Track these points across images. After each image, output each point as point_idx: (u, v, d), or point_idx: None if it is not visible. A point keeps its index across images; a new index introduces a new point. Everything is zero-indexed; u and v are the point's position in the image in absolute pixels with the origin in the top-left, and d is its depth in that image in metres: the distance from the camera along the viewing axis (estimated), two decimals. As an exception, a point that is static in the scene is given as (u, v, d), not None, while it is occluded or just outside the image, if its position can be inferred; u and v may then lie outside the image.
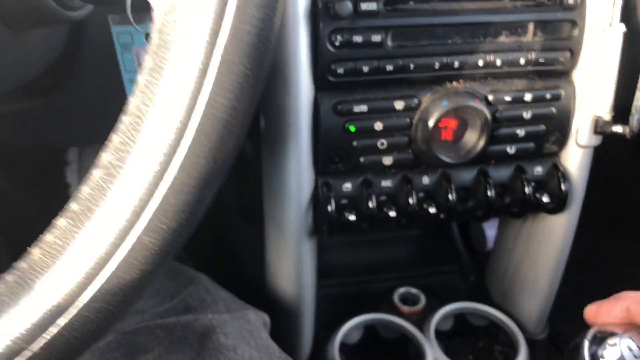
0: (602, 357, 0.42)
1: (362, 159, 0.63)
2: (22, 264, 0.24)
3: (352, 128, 0.61)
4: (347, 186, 0.65)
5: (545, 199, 0.68)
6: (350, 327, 0.79)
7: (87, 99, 0.61)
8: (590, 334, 0.44)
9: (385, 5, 0.58)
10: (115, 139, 0.23)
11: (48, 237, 0.24)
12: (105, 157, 0.23)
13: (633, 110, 0.62)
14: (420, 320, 0.82)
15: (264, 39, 0.23)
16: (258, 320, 0.52)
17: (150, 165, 0.23)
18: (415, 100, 0.62)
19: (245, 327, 0.49)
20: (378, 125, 0.62)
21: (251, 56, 0.23)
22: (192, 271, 0.69)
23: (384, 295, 0.87)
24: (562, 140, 0.68)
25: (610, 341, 0.43)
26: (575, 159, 0.69)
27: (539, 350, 0.85)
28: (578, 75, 0.66)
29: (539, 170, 0.69)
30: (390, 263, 0.99)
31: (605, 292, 0.47)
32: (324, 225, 0.65)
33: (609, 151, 0.71)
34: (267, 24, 0.23)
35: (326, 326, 0.83)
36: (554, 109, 0.65)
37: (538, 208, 0.70)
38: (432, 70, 0.61)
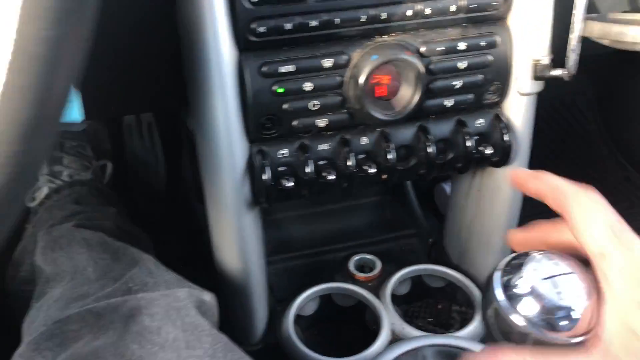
0: (516, 285, 0.40)
1: (295, 123, 0.61)
2: None
3: (280, 90, 0.59)
4: (283, 152, 0.62)
5: (488, 151, 0.66)
6: (304, 298, 0.77)
7: None
8: (504, 261, 0.42)
9: (302, -43, 0.55)
10: None
11: None
12: None
13: (568, 51, 0.60)
14: (377, 286, 0.80)
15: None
16: (189, 297, 0.49)
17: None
18: (345, 57, 0.59)
19: (173, 305, 0.47)
20: (308, 86, 0.59)
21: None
22: (137, 252, 0.67)
23: (340, 263, 0.85)
24: (503, 90, 0.66)
25: (523, 267, 0.41)
26: (518, 108, 0.67)
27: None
28: (513, 20, 0.64)
29: (480, 122, 0.67)
30: (348, 232, 0.97)
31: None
32: (261, 195, 0.62)
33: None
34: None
35: (283, 300, 0.81)
36: (490, 57, 0.63)
37: (482, 162, 0.68)
38: (359, 24, 0.59)
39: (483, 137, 0.67)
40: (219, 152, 0.61)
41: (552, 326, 0.39)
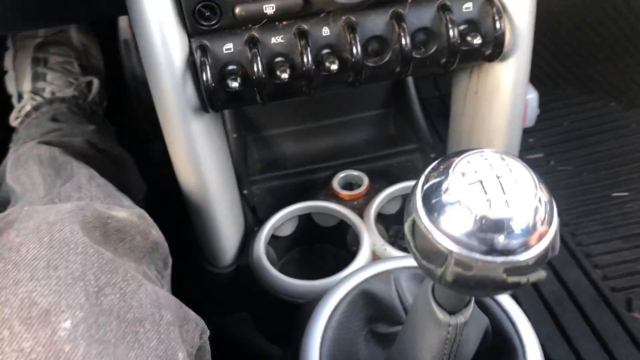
0: (439, 193, 0.32)
1: (237, 10, 0.52)
2: None
3: (214, -31, 0.49)
4: (229, 47, 0.54)
5: (477, 41, 0.55)
6: (280, 218, 0.71)
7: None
8: (433, 164, 0.34)
9: None
10: None
11: None
12: None
13: None
14: (363, 205, 0.72)
15: None
16: (74, 210, 0.42)
17: None
18: None
19: (49, 218, 0.40)
20: (247, -37, 0.49)
21: None
22: (77, 167, 0.62)
23: (325, 182, 0.77)
24: (496, -36, 0.54)
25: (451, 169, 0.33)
26: (516, -12, 0.55)
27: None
28: None
29: (468, 6, 0.55)
30: (344, 149, 0.88)
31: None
32: (203, 98, 0.54)
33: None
34: None
35: (264, 222, 0.75)
36: None
37: (472, 56, 0.57)
38: None
39: (472, 25, 0.56)
40: (153, 47, 0.53)
41: (485, 245, 0.30)
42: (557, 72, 1.41)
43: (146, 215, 0.51)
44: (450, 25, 0.54)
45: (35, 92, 0.95)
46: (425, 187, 0.32)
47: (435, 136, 1.09)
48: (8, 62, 1.00)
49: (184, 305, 0.46)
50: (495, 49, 0.56)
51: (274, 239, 0.71)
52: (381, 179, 0.78)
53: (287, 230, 0.73)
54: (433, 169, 0.32)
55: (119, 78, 1.17)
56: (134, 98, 1.21)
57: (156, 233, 0.53)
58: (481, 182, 0.31)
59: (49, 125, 0.83)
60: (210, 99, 0.54)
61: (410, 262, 0.57)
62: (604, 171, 1.20)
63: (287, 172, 0.85)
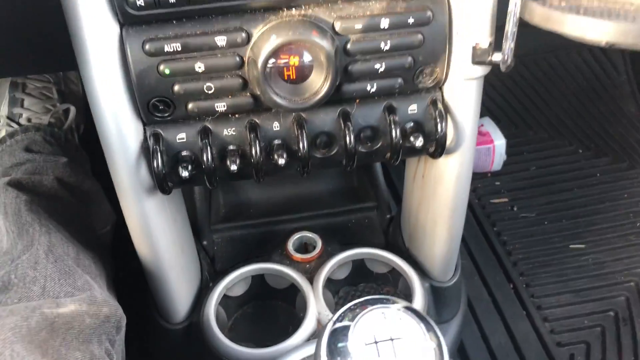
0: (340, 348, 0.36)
1: (190, 106, 0.54)
2: None
3: (167, 70, 0.52)
4: (181, 137, 0.56)
5: (419, 142, 0.58)
6: (232, 279, 0.74)
7: None
8: (343, 308, 0.38)
9: None
10: None
11: None
12: None
13: (505, 34, 0.50)
14: (314, 268, 0.76)
15: None
16: (19, 323, 0.45)
17: None
18: (243, 34, 0.52)
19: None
20: (199, 66, 0.52)
21: None
22: (40, 231, 0.64)
23: (280, 240, 0.80)
24: (440, 73, 0.57)
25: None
26: (460, 93, 0.59)
27: (447, 297, 0.78)
28: (452, -8, 0.53)
29: (413, 108, 0.58)
30: (308, 199, 0.92)
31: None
32: (156, 183, 0.57)
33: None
34: None
35: (221, 273, 0.78)
36: (421, 36, 0.54)
37: (416, 152, 0.60)
38: (262, -4, 0.50)
39: (416, 125, 0.59)
40: (109, 133, 0.56)
41: None
42: (531, 115, 1.44)
43: (97, 293, 0.54)
44: (393, 126, 0.57)
45: (11, 117, 0.96)
46: (332, 337, 0.35)
47: (395, 193, 1.13)
48: None
49: None
50: (437, 147, 0.59)
51: (225, 298, 0.74)
52: (333, 240, 0.81)
53: (239, 290, 0.76)
54: (343, 313, 0.36)
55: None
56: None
57: (107, 308, 0.56)
58: (376, 343, 0.34)
59: (22, 156, 0.84)
60: (161, 184, 0.56)
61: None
62: (565, 221, 1.23)
63: (249, 223, 0.88)
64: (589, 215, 1.25)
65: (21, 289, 0.53)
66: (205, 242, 0.83)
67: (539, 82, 1.46)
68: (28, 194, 0.72)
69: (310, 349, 0.60)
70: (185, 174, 0.56)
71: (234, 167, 0.56)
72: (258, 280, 0.76)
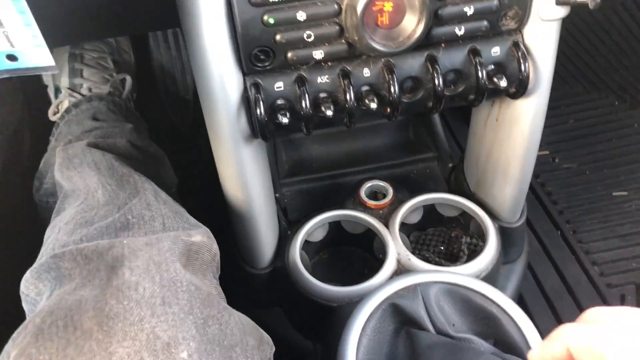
0: None
1: (289, 55, 0.57)
2: None
3: (271, 20, 0.55)
4: (279, 85, 0.60)
5: (503, 83, 0.61)
6: (312, 225, 0.78)
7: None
8: None
9: None
10: None
11: None
12: None
13: (596, -26, 0.53)
14: (388, 214, 0.79)
15: None
16: (174, 245, 0.49)
17: None
18: (342, -18, 0.54)
19: (155, 258, 0.47)
20: (301, 15, 0.55)
21: None
22: (140, 180, 0.67)
23: (352, 189, 0.84)
24: (522, 15, 0.59)
25: None
26: (539, 35, 0.61)
27: (515, 238, 0.82)
28: None
29: (496, 50, 0.61)
30: (367, 153, 0.95)
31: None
32: (256, 130, 0.60)
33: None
34: None
35: (296, 222, 0.82)
36: (508, -21, 0.56)
37: (497, 94, 0.63)
38: (357, -55, 0.53)
39: (499, 67, 0.62)
40: (213, 83, 0.59)
41: None
42: (566, 69, 1.46)
43: (210, 232, 0.58)
44: (479, 68, 0.60)
45: (73, 88, 1.00)
46: None
47: (453, 143, 1.16)
48: (47, 78, 1.04)
49: (259, 328, 0.53)
50: (519, 88, 0.62)
51: (306, 243, 0.78)
52: (403, 188, 0.84)
53: (318, 236, 0.80)
54: None
55: (148, 71, 1.22)
56: (161, 90, 1.26)
57: (216, 246, 0.60)
58: None
59: (89, 124, 0.88)
60: (262, 130, 0.60)
61: (435, 276, 0.64)
62: (606, 170, 1.26)
63: (315, 176, 0.92)
64: (630, 164, 1.28)
65: (144, 226, 0.56)
66: (277, 195, 0.86)
67: (572, 36, 1.47)
68: (111, 153, 0.75)
69: (393, 286, 0.64)
70: (285, 120, 0.59)
71: (329, 113, 0.59)
72: (334, 226, 0.80)
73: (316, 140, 0.97)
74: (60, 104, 0.98)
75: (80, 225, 0.61)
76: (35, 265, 0.54)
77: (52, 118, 0.98)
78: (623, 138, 1.34)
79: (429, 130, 0.96)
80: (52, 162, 0.84)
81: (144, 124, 0.99)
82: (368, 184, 0.83)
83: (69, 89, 1.00)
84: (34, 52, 0.53)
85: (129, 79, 1.01)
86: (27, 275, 0.56)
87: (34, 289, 0.53)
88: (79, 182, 0.70)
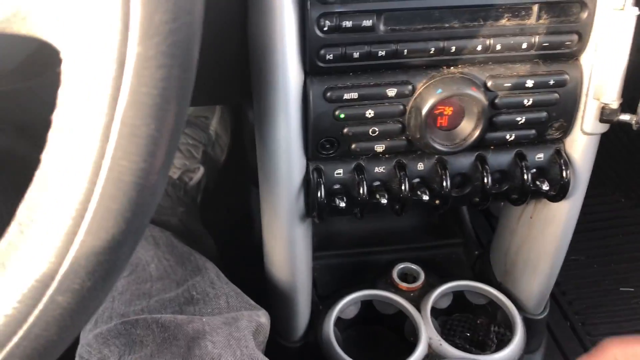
0: None
1: (353, 146, 0.62)
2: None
3: (342, 115, 0.60)
4: (339, 172, 0.64)
5: (545, 186, 0.65)
6: (346, 302, 0.80)
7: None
8: None
9: (377, -13, 0.55)
10: (28, 195, 0.23)
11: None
12: (20, 213, 0.23)
13: (641, 100, 0.58)
14: (418, 297, 0.82)
15: (169, 97, 0.22)
16: (250, 326, 0.53)
17: (59, 227, 0.22)
18: (409, 87, 0.60)
19: (234, 334, 0.50)
20: (370, 113, 0.60)
21: (154, 116, 0.22)
22: (202, 259, 0.70)
23: (384, 268, 0.87)
24: (567, 127, 0.65)
25: None
26: (579, 146, 0.66)
27: (537, 329, 0.85)
28: (586, 59, 0.62)
29: (540, 156, 0.66)
30: (393, 233, 0.99)
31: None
32: (314, 211, 0.64)
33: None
34: (169, 82, 0.22)
35: (324, 299, 0.84)
36: (557, 95, 0.62)
37: (538, 195, 0.68)
38: (427, 55, 0.59)
39: (541, 172, 0.67)
40: (279, 165, 0.63)
41: None
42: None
43: (267, 314, 0.61)
44: (524, 171, 0.65)
45: None
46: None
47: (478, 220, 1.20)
48: None
49: None
50: (559, 192, 0.67)
51: (337, 320, 0.80)
52: (430, 271, 0.88)
53: (350, 313, 0.82)
54: None
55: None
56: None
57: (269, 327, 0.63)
58: None
59: None
60: (320, 212, 0.64)
61: (469, 364, 0.66)
62: (614, 265, 1.31)
63: (343, 252, 0.95)
64: (636, 261, 1.32)
65: (209, 302, 0.59)
66: (308, 269, 0.89)
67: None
68: (167, 230, 0.78)
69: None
70: (342, 204, 0.63)
71: (383, 201, 0.64)
72: (366, 305, 0.83)
73: (344, 217, 1.01)
74: None
75: (137, 296, 0.63)
76: (101, 330, 0.56)
77: None
78: (629, 235, 1.39)
79: (454, 217, 1.00)
80: None
81: (197, 208, 1.00)
82: (400, 266, 0.86)
83: None
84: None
85: (201, 170, 1.01)
86: (90, 339, 0.57)
87: (97, 354, 0.55)
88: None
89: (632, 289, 1.26)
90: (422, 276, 0.84)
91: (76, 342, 0.62)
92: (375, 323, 0.84)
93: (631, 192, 1.49)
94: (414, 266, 0.86)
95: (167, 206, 0.90)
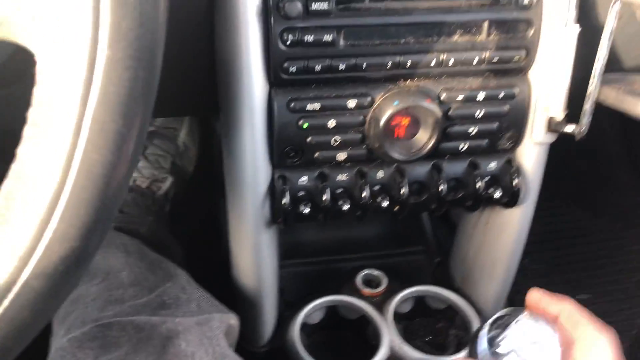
0: (499, 344, 0.45)
1: (316, 155, 0.65)
2: None
3: (305, 125, 0.63)
4: (303, 179, 0.67)
5: (497, 194, 0.69)
6: (311, 308, 0.82)
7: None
8: (492, 318, 0.47)
9: (337, 4, 0.58)
10: (4, 186, 0.25)
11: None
12: (-2, 203, 0.25)
13: (583, 112, 0.63)
14: (381, 302, 0.85)
15: (136, 97, 0.25)
16: (221, 326, 0.55)
17: (34, 215, 0.25)
18: (368, 99, 0.63)
19: (207, 334, 0.52)
20: (331, 123, 0.63)
21: (122, 114, 0.25)
22: (172, 266, 0.72)
23: (348, 275, 0.89)
24: (517, 137, 0.69)
25: (509, 327, 0.46)
26: (530, 155, 0.71)
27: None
28: (534, 73, 0.66)
29: (492, 165, 0.70)
30: (357, 241, 1.02)
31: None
32: (279, 217, 0.67)
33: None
34: (135, 82, 0.24)
35: (291, 305, 0.86)
36: (507, 107, 0.66)
37: (491, 202, 0.72)
38: (384, 69, 0.62)
39: (494, 180, 0.71)
40: (245, 173, 0.66)
41: None
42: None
43: (236, 317, 0.63)
44: (477, 179, 0.69)
45: None
46: (489, 336, 0.45)
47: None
48: None
49: None
50: (510, 199, 0.70)
51: (303, 325, 0.83)
52: (394, 277, 0.91)
53: (315, 318, 0.85)
54: (495, 323, 0.46)
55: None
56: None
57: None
58: (534, 341, 0.45)
59: None
60: (286, 218, 0.66)
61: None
62: (571, 274, 1.36)
63: (309, 260, 0.98)
64: (592, 270, 1.38)
65: (181, 307, 0.61)
66: (275, 276, 0.91)
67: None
68: (138, 238, 0.79)
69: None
70: (306, 210, 0.66)
71: (345, 207, 0.67)
72: (331, 310, 0.85)
73: (310, 226, 1.04)
74: None
75: (110, 302, 0.64)
76: (75, 334, 0.57)
77: None
78: (585, 245, 1.45)
79: (416, 225, 1.03)
80: None
81: (167, 217, 1.01)
82: (364, 272, 0.89)
83: None
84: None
85: (169, 180, 1.03)
86: (64, 344, 0.58)
87: (72, 358, 0.56)
88: (100, 262, 0.72)
89: (589, 295, 1.31)
90: (385, 282, 0.87)
91: (46, 350, 0.63)
92: (339, 328, 0.87)
93: (587, 203, 1.55)
94: (377, 272, 0.89)
95: (136, 215, 0.92)
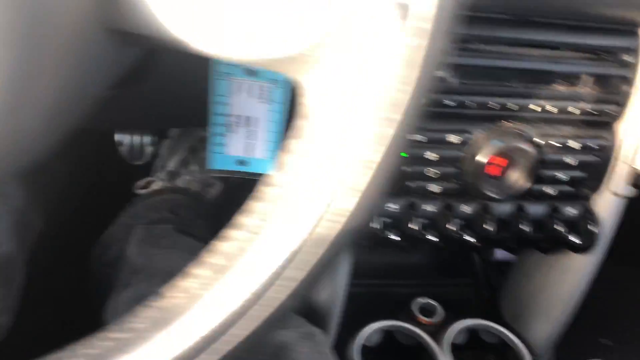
0: None
1: (410, 184, 0.67)
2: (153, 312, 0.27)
3: (403, 154, 0.65)
4: (395, 207, 0.69)
5: (576, 239, 0.71)
6: (371, 331, 0.84)
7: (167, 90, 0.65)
8: None
9: (454, 44, 0.61)
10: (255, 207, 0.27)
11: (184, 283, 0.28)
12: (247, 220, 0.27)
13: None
14: (436, 331, 0.87)
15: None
16: (326, 341, 0.56)
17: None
18: (469, 136, 0.65)
19: (316, 348, 0.53)
20: (431, 155, 0.65)
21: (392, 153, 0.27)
22: None
23: (403, 301, 0.91)
24: (598, 186, 0.71)
25: None
26: (607, 205, 0.73)
27: (544, 372, 0.90)
28: (621, 126, 0.69)
29: (572, 211, 0.73)
30: (406, 268, 1.03)
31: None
32: (367, 240, 0.68)
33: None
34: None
35: (345, 326, 0.88)
36: (596, 157, 0.69)
37: (566, 246, 0.74)
38: (489, 109, 0.65)
39: (571, 225, 0.73)
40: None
41: None
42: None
43: None
44: (557, 223, 0.71)
45: (174, 175, 1.03)
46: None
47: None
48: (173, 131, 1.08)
49: None
50: (586, 246, 0.73)
51: (362, 347, 0.84)
52: (446, 308, 0.92)
53: (371, 341, 0.86)
54: None
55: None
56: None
57: None
58: None
59: (166, 215, 0.92)
60: (374, 242, 0.68)
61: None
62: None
63: (360, 282, 0.99)
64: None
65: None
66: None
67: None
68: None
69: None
70: (395, 237, 0.68)
71: (432, 238, 0.69)
72: (388, 335, 0.87)
73: (361, 250, 1.05)
74: (152, 184, 1.01)
75: None
76: None
77: (137, 191, 1.00)
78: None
79: (463, 256, 1.06)
80: (119, 236, 0.86)
81: (214, 224, 1.01)
82: (420, 300, 0.90)
83: (170, 172, 1.03)
84: (263, 162, 0.61)
85: (218, 185, 1.05)
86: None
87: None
88: (162, 262, 0.73)
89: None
90: (441, 311, 0.89)
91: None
92: (395, 354, 0.88)
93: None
94: (432, 302, 0.91)
95: (189, 218, 0.92)
